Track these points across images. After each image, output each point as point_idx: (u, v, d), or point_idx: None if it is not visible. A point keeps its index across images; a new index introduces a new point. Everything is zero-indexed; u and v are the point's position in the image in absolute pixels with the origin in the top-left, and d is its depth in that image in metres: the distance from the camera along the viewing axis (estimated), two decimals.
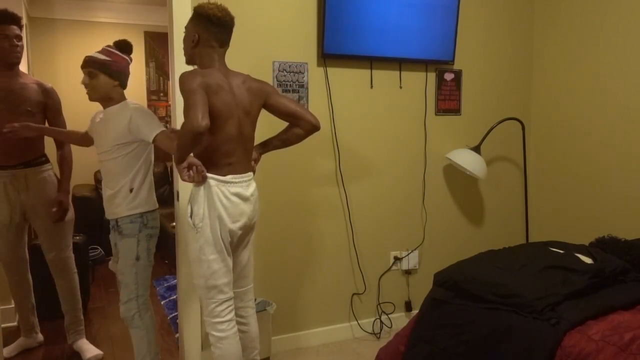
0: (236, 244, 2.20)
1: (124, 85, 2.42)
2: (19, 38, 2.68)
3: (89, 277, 3.73)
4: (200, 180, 2.02)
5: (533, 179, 3.67)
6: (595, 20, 3.20)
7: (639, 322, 1.72)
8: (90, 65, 2.32)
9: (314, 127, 2.26)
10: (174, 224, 2.67)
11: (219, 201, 2.04)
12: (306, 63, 2.94)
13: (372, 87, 3.13)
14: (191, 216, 2.05)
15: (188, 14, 2.65)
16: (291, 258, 3.03)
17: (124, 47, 2.44)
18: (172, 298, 3.87)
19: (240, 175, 2.11)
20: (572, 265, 2.01)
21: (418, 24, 3.07)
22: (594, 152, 3.25)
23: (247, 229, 2.20)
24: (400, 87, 3.20)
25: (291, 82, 2.91)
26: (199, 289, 2.08)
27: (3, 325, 3.29)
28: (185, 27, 2.15)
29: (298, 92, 2.94)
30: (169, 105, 5.89)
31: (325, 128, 3.03)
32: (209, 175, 2.04)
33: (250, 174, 2.19)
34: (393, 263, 3.28)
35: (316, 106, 2.99)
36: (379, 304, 3.27)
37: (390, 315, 3.29)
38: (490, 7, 3.44)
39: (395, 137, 3.22)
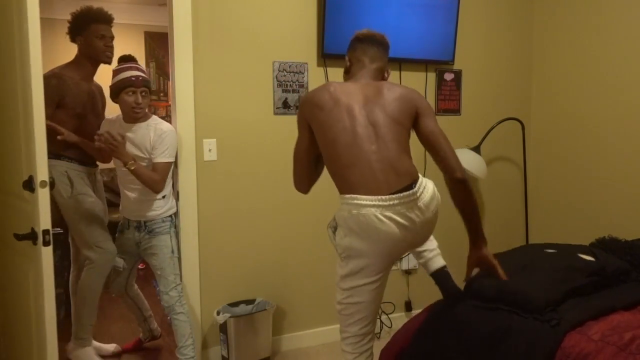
0: None
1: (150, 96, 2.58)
2: (113, 39, 2.69)
3: None
4: None
5: (533, 179, 3.67)
6: (595, 20, 3.20)
7: (639, 322, 1.72)
8: (146, 84, 2.50)
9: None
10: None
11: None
12: (306, 63, 2.94)
13: None
14: None
15: (188, 14, 2.65)
16: (291, 258, 3.03)
17: (130, 59, 2.60)
18: None
19: None
20: (574, 264, 2.01)
21: (418, 24, 3.07)
22: (594, 152, 3.25)
23: None
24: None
25: (291, 82, 2.91)
26: None
27: None
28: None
29: (298, 92, 2.94)
30: (169, 105, 5.90)
31: None
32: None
33: None
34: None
35: None
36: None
37: (390, 315, 3.29)
38: (490, 7, 3.44)
39: None
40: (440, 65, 3.29)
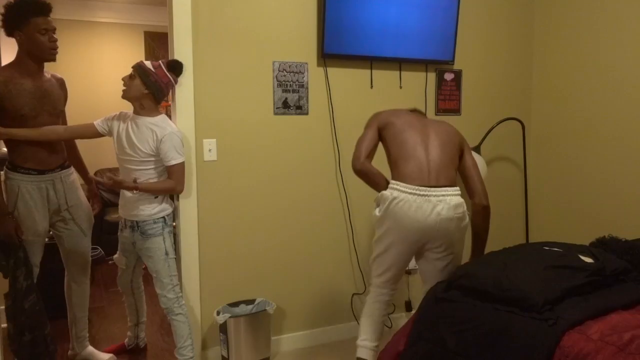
0: None
1: (157, 98, 2.51)
2: (55, 31, 2.44)
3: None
4: None
5: (533, 179, 3.67)
6: (596, 20, 3.20)
7: (638, 322, 1.72)
8: (135, 67, 2.48)
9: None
10: (174, 223, 2.68)
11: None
12: (306, 63, 2.94)
13: (372, 87, 3.13)
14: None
15: (188, 14, 2.65)
16: (291, 258, 3.03)
17: (173, 66, 2.55)
18: None
19: None
20: (573, 263, 2.01)
21: (418, 24, 3.07)
22: (594, 152, 3.25)
23: None
24: (400, 87, 3.20)
25: (291, 82, 2.92)
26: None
27: (3, 326, 3.29)
28: None
29: (298, 92, 2.94)
30: (169, 105, 5.90)
31: (325, 128, 3.03)
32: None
33: None
34: None
35: (316, 106, 2.99)
36: None
37: (390, 315, 3.29)
38: (490, 7, 3.44)
39: None
40: (440, 65, 3.29)
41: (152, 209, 2.53)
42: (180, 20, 2.64)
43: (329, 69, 3.00)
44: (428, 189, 2.22)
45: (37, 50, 2.39)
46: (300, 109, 2.95)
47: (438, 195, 2.22)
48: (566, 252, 2.12)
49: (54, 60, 2.45)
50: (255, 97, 2.86)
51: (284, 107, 2.92)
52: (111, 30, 5.63)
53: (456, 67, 3.36)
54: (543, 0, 3.54)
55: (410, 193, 2.22)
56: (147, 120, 2.49)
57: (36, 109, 2.44)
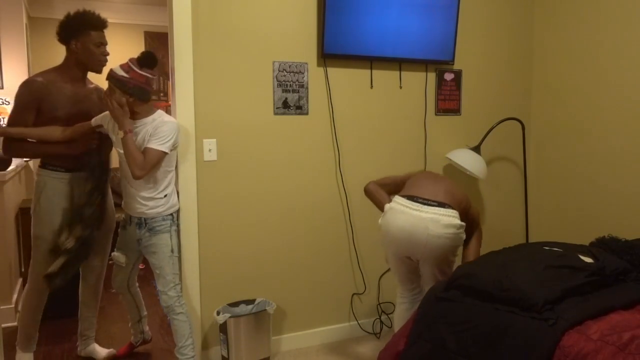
0: None
1: (144, 99, 2.45)
2: (107, 45, 2.65)
3: None
4: None
5: (533, 179, 3.67)
6: (596, 20, 3.20)
7: (638, 322, 1.72)
8: (110, 80, 2.41)
9: None
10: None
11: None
12: (306, 63, 2.94)
13: (372, 87, 3.13)
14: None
15: (188, 14, 2.65)
16: (291, 258, 3.03)
17: (147, 61, 2.44)
18: None
19: None
20: (573, 263, 2.01)
21: (418, 24, 3.07)
22: (594, 152, 3.25)
23: None
24: (400, 87, 3.20)
25: (291, 82, 2.92)
26: None
27: (3, 325, 3.29)
28: None
29: (298, 92, 2.94)
30: (169, 105, 5.90)
31: (325, 128, 3.03)
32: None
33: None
34: None
35: (316, 106, 2.99)
36: (379, 304, 3.27)
37: (390, 315, 3.29)
38: (490, 7, 3.44)
39: (395, 137, 3.22)
40: (440, 65, 3.29)
41: (162, 207, 2.53)
42: (181, 20, 2.64)
43: (329, 69, 3.00)
44: (422, 205, 2.36)
45: (89, 61, 2.58)
46: (300, 109, 2.95)
47: (429, 213, 2.33)
48: (566, 252, 2.12)
49: (100, 72, 2.63)
50: (255, 97, 2.86)
51: (284, 107, 2.92)
52: (111, 30, 5.61)
53: (456, 67, 3.36)
54: (543, 0, 3.54)
55: (404, 205, 2.39)
56: (148, 119, 2.48)
57: (70, 113, 2.57)
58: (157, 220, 2.53)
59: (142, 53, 2.45)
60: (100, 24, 2.57)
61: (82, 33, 2.54)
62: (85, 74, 2.66)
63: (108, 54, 2.63)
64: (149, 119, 2.48)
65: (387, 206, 2.46)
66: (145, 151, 2.41)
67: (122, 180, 2.58)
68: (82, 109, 2.62)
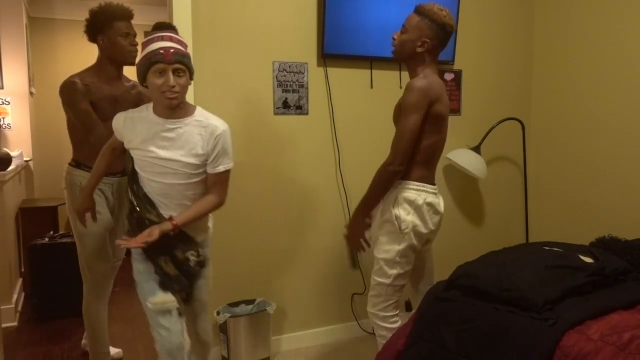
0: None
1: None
2: (136, 36, 2.50)
3: None
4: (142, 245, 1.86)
5: (533, 179, 3.67)
6: (596, 20, 3.20)
7: (638, 322, 1.72)
8: (181, 60, 1.85)
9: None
10: None
11: (426, 210, 2.18)
12: (306, 63, 2.94)
13: (372, 87, 3.13)
14: (396, 219, 2.15)
15: (188, 14, 2.65)
16: (291, 258, 3.03)
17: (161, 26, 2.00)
18: None
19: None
20: (573, 263, 2.01)
21: None
22: (594, 152, 3.25)
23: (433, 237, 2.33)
24: (400, 87, 3.20)
25: (291, 82, 2.92)
26: (381, 287, 2.25)
27: (3, 325, 3.29)
28: (410, 24, 2.15)
29: (298, 92, 2.94)
30: None
31: (325, 128, 3.03)
32: (421, 184, 2.18)
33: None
34: None
35: (316, 106, 2.99)
36: None
37: None
38: (490, 7, 3.44)
39: None
40: (440, 65, 3.29)
41: (207, 230, 2.15)
42: (181, 21, 2.64)
43: (329, 69, 3.00)
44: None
45: (118, 54, 2.46)
46: (300, 109, 2.95)
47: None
48: (566, 252, 2.12)
49: (133, 63, 2.43)
50: (255, 97, 2.86)
51: (284, 107, 2.92)
52: None
53: (456, 67, 3.36)
54: (543, 0, 3.54)
55: (435, 194, 2.24)
56: (189, 119, 1.94)
57: (108, 113, 2.47)
58: (204, 246, 2.13)
59: (158, 23, 2.02)
60: (124, 14, 2.45)
61: (106, 26, 2.43)
62: (121, 71, 2.56)
63: (137, 44, 2.46)
64: (192, 119, 1.94)
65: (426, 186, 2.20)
66: (217, 179, 1.97)
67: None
68: (118, 108, 2.47)
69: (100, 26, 2.44)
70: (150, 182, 1.96)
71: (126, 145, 1.99)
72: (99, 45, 2.48)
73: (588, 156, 3.29)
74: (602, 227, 3.19)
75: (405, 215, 2.14)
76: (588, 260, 2.07)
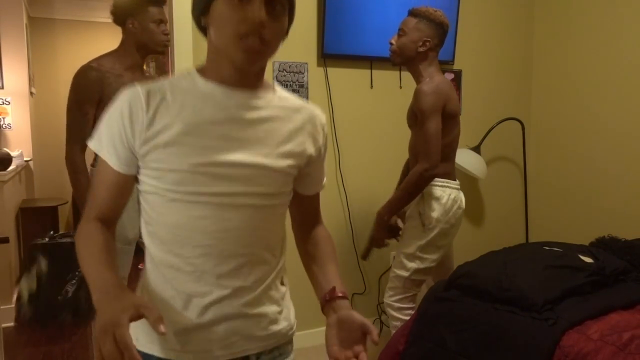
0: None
1: None
2: (167, 23, 2.33)
3: None
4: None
5: (533, 179, 3.67)
6: (596, 20, 3.20)
7: (638, 322, 1.72)
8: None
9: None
10: None
11: (450, 206, 2.26)
12: (306, 63, 2.94)
13: (372, 87, 3.13)
14: (420, 215, 2.23)
15: (188, 13, 2.65)
16: (291, 258, 3.03)
17: None
18: None
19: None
20: (573, 263, 2.02)
21: None
22: (594, 152, 3.25)
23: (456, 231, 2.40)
24: (400, 87, 3.20)
25: (291, 82, 2.92)
26: (399, 279, 2.30)
27: (3, 325, 3.29)
28: (407, 26, 2.24)
29: (298, 92, 2.94)
30: None
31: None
32: (445, 180, 2.28)
33: None
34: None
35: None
36: (379, 304, 3.27)
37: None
38: (490, 7, 3.44)
39: (395, 137, 3.22)
40: (440, 65, 3.27)
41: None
42: (181, 20, 2.64)
43: (329, 69, 3.00)
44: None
45: (149, 41, 2.27)
46: None
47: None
48: (566, 252, 2.12)
49: (163, 53, 2.34)
50: None
51: None
52: (111, 30, 5.62)
53: (456, 67, 3.36)
54: (543, 1, 3.54)
55: (459, 189, 2.36)
56: (268, 100, 1.07)
57: None
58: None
59: None
60: None
61: (139, 10, 2.24)
62: (143, 61, 2.37)
63: (168, 32, 2.32)
64: (275, 95, 1.09)
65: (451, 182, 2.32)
66: (318, 198, 1.27)
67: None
68: None
69: (132, 9, 2.24)
70: (194, 220, 1.01)
71: (142, 148, 1.00)
72: (126, 29, 2.28)
73: (588, 156, 3.29)
74: (602, 227, 3.19)
75: (430, 211, 2.22)
76: (588, 260, 2.07)
